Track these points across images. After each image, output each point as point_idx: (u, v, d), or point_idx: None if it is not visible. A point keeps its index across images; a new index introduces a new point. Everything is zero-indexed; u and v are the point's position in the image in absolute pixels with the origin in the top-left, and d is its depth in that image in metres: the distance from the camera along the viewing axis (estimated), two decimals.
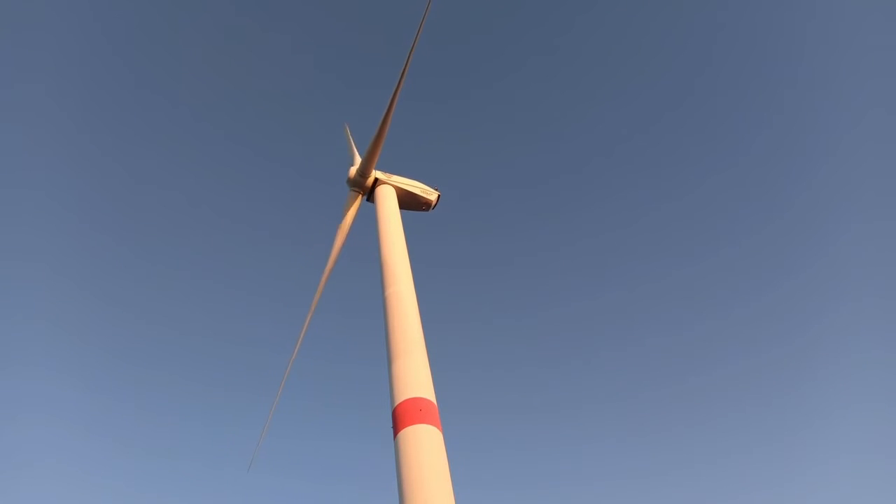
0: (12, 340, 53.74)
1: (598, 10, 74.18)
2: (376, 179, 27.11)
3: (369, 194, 27.22)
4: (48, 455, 49.23)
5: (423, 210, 28.57)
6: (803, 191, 63.69)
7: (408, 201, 27.75)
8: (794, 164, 64.47)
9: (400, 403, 16.23)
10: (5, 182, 57.89)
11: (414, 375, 16.96)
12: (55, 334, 56.08)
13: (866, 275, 55.82)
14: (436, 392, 16.95)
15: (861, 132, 59.34)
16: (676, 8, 71.62)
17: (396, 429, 15.74)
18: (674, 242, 69.68)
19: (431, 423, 15.59)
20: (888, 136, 57.06)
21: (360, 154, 29.38)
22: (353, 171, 27.34)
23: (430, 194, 28.24)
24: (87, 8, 64.57)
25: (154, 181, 67.86)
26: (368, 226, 25.96)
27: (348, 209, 26.72)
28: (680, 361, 63.37)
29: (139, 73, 67.42)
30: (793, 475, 51.39)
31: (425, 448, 14.87)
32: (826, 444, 51.25)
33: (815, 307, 59.53)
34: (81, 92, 64.07)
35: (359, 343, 64.39)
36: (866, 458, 48.03)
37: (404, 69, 24.59)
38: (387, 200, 25.92)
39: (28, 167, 59.01)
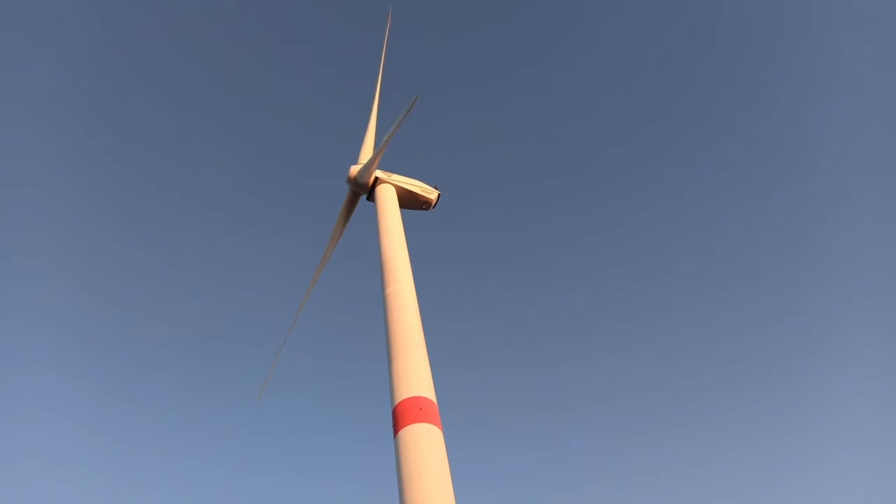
0: (12, 339, 53.66)
1: (599, 9, 74.16)
2: (376, 178, 27.11)
3: (369, 193, 27.23)
4: (48, 454, 49.15)
5: (423, 209, 28.56)
6: (803, 190, 63.65)
7: (408, 200, 27.74)
8: (793, 163, 64.42)
9: (400, 402, 16.20)
10: (5, 180, 57.83)
11: (414, 374, 16.92)
12: (55, 332, 55.98)
13: (866, 275, 55.78)
14: (436, 391, 16.93)
15: (861, 131, 59.32)
16: (676, 6, 71.60)
17: (396, 427, 15.71)
18: (672, 242, 69.65)
19: (431, 422, 15.56)
20: (889, 135, 57.03)
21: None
22: (353, 169, 27.39)
23: (431, 193, 28.22)
24: (86, 5, 64.46)
25: (154, 180, 67.77)
26: (368, 225, 26.00)
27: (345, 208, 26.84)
28: (680, 361, 63.32)
29: (138, 71, 67.31)
30: (792, 475, 51.36)
31: (425, 447, 14.83)
32: (825, 444, 51.23)
33: (814, 307, 59.50)
34: (81, 89, 63.99)
35: (359, 342, 64.36)
36: (865, 458, 48.00)
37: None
38: (387, 199, 25.91)
39: (27, 165, 58.94)
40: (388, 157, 28.19)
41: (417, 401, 16.06)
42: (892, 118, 57.20)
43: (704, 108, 70.53)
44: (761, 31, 66.78)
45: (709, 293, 65.95)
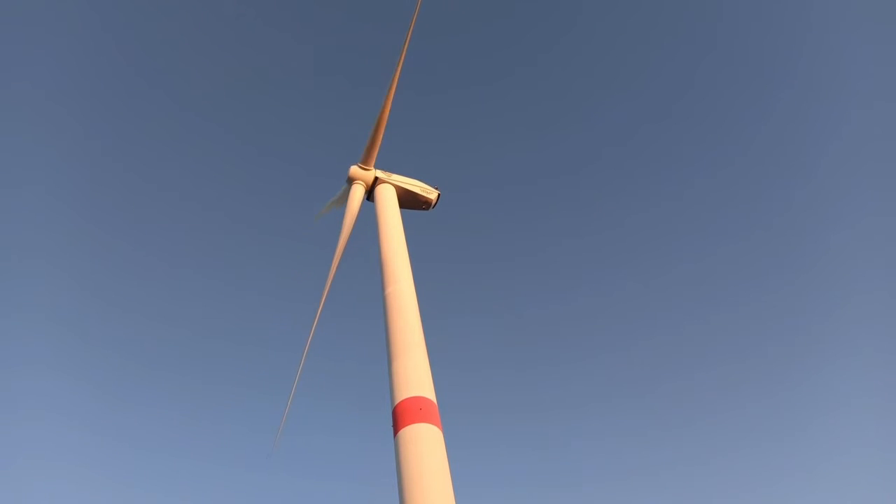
0: (12, 339, 53.68)
1: (598, 9, 74.13)
2: (376, 178, 27.10)
3: (369, 193, 27.22)
4: (48, 454, 49.16)
5: (423, 209, 28.56)
6: (802, 190, 63.66)
7: (408, 200, 27.74)
8: (793, 163, 64.43)
9: (400, 402, 16.21)
10: (5, 180, 57.83)
11: (414, 374, 16.93)
12: (55, 332, 55.98)
13: (866, 275, 55.79)
14: (436, 391, 16.93)
15: (861, 131, 59.33)
16: (676, 6, 71.59)
17: (396, 427, 15.71)
18: (672, 242, 69.62)
19: (431, 422, 15.57)
20: (889, 135, 57.04)
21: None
22: (353, 168, 27.41)
23: (430, 193, 28.22)
24: (86, 5, 64.43)
25: (154, 180, 67.75)
26: (368, 225, 25.97)
27: (351, 202, 26.53)
28: (680, 361, 63.31)
29: (138, 71, 67.28)
30: (792, 475, 51.39)
31: (425, 447, 14.85)
32: (825, 444, 51.24)
33: (814, 307, 59.51)
34: (81, 89, 63.94)
35: (359, 342, 64.30)
36: (866, 458, 48.01)
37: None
38: (387, 199, 25.90)
39: (27, 165, 58.94)
40: (388, 157, 28.21)
41: (417, 401, 16.06)
42: (892, 118, 57.22)
43: (704, 108, 70.47)
44: (761, 31, 66.78)
45: (709, 293, 65.91)
